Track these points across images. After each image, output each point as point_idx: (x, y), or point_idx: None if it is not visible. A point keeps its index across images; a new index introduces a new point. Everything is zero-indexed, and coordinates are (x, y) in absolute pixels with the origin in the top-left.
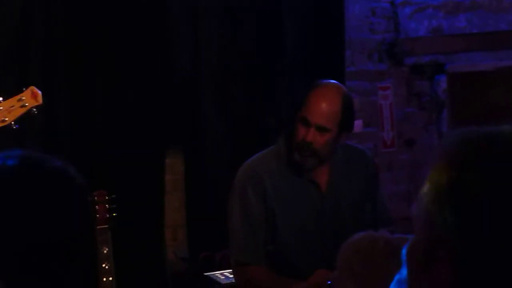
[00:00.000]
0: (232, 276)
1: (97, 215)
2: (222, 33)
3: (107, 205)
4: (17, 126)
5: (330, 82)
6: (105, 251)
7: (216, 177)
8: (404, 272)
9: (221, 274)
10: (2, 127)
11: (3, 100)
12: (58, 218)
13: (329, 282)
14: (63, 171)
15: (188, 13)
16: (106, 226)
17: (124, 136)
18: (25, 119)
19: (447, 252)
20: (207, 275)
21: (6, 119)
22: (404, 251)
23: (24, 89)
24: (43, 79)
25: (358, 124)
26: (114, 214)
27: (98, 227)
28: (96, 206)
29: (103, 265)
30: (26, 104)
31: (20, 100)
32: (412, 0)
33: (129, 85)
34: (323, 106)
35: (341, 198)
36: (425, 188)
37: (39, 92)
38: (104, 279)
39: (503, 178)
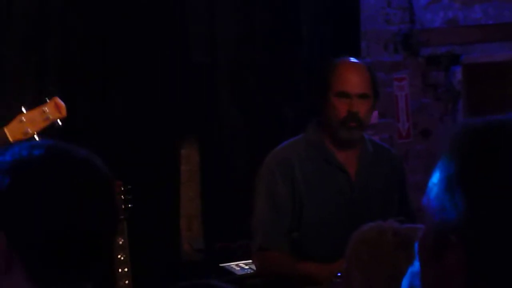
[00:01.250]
0: (247, 267)
1: None
2: (238, 22)
3: (122, 196)
4: (40, 138)
5: (346, 57)
6: (120, 242)
7: (231, 167)
8: (417, 264)
9: (237, 265)
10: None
11: (26, 110)
12: (84, 209)
13: (339, 274)
14: (89, 161)
15: (204, 2)
16: (122, 217)
17: (140, 126)
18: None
19: (459, 237)
20: (222, 266)
21: (29, 131)
22: (416, 244)
23: (47, 99)
24: (59, 75)
25: (374, 115)
26: (129, 205)
27: None
28: None
29: (119, 256)
30: (50, 117)
31: (43, 112)
32: None
33: (145, 76)
34: (357, 75)
35: (370, 187)
36: (435, 177)
37: (63, 104)
38: (120, 270)
39: (509, 166)
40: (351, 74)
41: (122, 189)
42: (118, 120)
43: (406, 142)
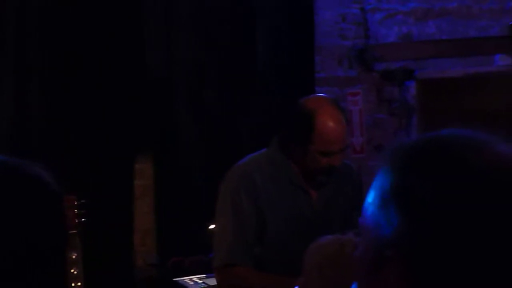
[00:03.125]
0: (201, 281)
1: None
2: (196, 37)
3: (76, 210)
4: None
5: (321, 99)
6: (73, 257)
7: (186, 182)
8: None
9: (190, 279)
10: None
11: None
12: (31, 224)
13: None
14: (37, 177)
15: (162, 16)
16: (75, 231)
17: (94, 140)
18: None
19: (395, 251)
20: (176, 280)
21: None
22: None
23: None
24: (15, 82)
25: None
26: (83, 219)
27: None
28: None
29: (72, 270)
30: None
31: None
32: (382, 6)
33: (101, 89)
34: (339, 132)
35: (331, 206)
36: (370, 197)
37: None
38: (73, 284)
39: (443, 178)
40: (334, 133)
41: (76, 203)
42: (73, 134)
43: (360, 157)
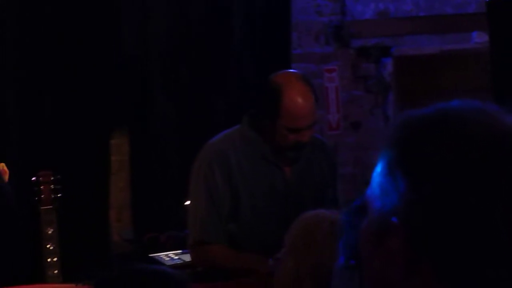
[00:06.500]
0: (176, 257)
1: (42, 196)
2: (170, 14)
3: (52, 186)
4: None
5: (290, 74)
6: (49, 232)
7: (162, 158)
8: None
9: (166, 255)
10: None
11: None
12: None
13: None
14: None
15: None
16: (51, 206)
17: (70, 116)
18: None
19: (401, 219)
20: (152, 256)
21: None
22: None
23: None
24: None
25: None
26: (59, 195)
27: (42, 207)
28: (41, 187)
29: (48, 246)
30: None
31: None
32: None
33: (76, 66)
34: (307, 108)
35: (305, 182)
36: (377, 168)
37: (8, 171)
38: (49, 259)
39: (450, 145)
40: (301, 109)
41: (52, 178)
42: (49, 110)
43: (336, 134)
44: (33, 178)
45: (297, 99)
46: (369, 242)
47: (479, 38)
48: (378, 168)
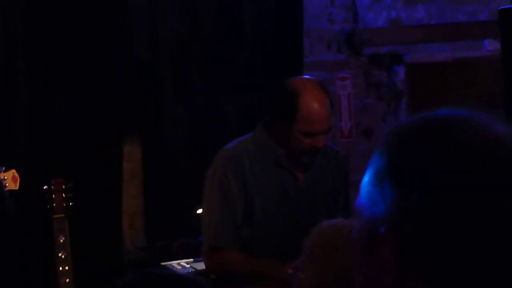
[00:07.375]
0: (188, 265)
1: (54, 204)
2: (182, 19)
3: (64, 194)
4: None
5: (306, 80)
6: (61, 240)
7: (174, 164)
8: None
9: (178, 263)
10: None
11: None
12: None
13: (289, 271)
14: None
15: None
16: (63, 215)
17: (82, 123)
18: None
19: (389, 228)
20: (163, 264)
21: None
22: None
23: (3, 168)
24: (1, 70)
25: None
26: (71, 203)
27: (55, 216)
28: (53, 195)
29: (60, 254)
30: (7, 185)
31: (3, 179)
32: None
33: (88, 72)
34: (323, 113)
35: (317, 189)
36: (366, 176)
37: (18, 178)
38: (61, 268)
39: (437, 153)
40: (317, 113)
41: (64, 186)
42: (61, 117)
43: (348, 141)
44: (45, 186)
45: (313, 103)
46: (360, 251)
47: (491, 46)
48: (366, 178)
